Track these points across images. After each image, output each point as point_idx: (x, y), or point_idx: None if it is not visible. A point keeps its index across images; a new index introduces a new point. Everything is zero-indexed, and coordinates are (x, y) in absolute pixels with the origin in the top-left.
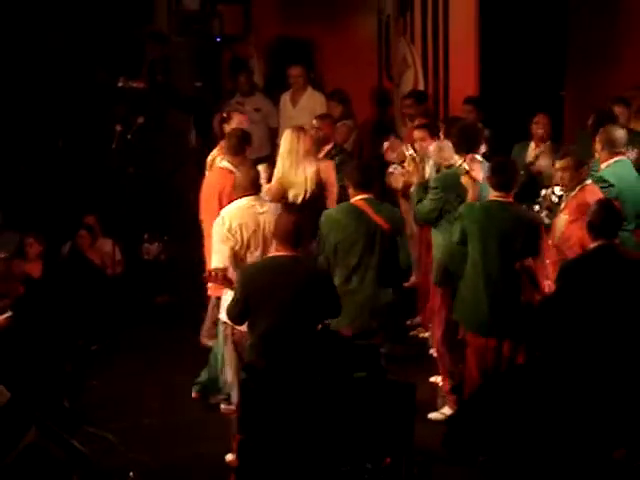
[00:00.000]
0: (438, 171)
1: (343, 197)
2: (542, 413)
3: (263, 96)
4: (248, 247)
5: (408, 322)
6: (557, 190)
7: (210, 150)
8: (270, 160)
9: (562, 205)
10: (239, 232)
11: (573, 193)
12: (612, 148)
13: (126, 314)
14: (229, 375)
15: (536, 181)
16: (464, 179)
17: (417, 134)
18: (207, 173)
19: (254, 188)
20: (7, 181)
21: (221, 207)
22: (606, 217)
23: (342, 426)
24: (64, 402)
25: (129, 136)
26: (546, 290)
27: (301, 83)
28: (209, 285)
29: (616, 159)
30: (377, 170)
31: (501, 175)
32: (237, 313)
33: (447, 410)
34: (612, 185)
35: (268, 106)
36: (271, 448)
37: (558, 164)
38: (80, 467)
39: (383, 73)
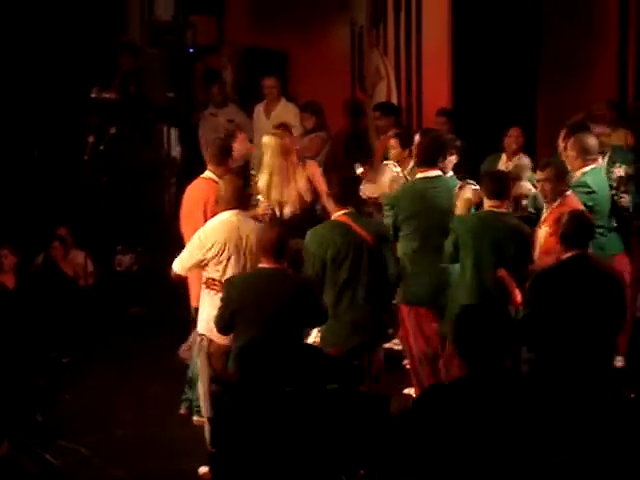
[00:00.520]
0: None
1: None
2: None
3: (236, 107)
4: (229, 261)
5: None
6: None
7: (192, 162)
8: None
9: (543, 217)
10: (221, 246)
11: (554, 205)
12: (586, 155)
13: (99, 326)
14: (200, 386)
15: None
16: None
17: (392, 143)
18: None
19: (237, 201)
20: None
21: (205, 218)
22: (578, 228)
23: (316, 438)
24: (37, 415)
25: (102, 147)
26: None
27: (275, 94)
28: (192, 296)
29: (592, 166)
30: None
31: (496, 184)
32: (223, 325)
33: None
34: (593, 191)
35: (241, 117)
36: (244, 462)
37: (540, 175)
38: None
39: (356, 84)
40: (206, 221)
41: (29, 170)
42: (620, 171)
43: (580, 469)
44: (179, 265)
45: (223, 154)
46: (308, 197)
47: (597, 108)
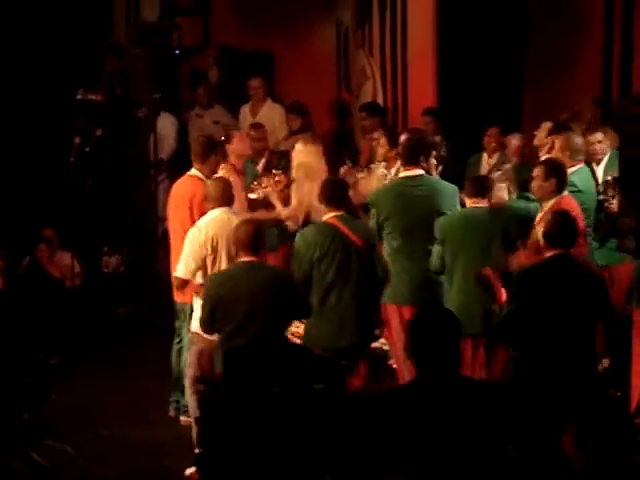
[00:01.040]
0: None
1: None
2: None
3: (222, 108)
4: (220, 258)
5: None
6: None
7: (180, 165)
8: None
9: (538, 217)
10: (214, 242)
11: (548, 205)
12: (573, 155)
13: (86, 326)
14: (186, 385)
15: None
16: None
17: (381, 142)
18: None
19: (225, 199)
20: None
21: (192, 216)
22: (562, 227)
23: (302, 438)
24: (24, 415)
25: (87, 149)
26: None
27: (261, 95)
28: (178, 293)
29: (579, 166)
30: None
31: (476, 183)
32: (205, 321)
33: None
34: (580, 191)
35: (227, 118)
36: (231, 462)
37: (533, 172)
38: None
39: (342, 85)
40: (192, 218)
41: (15, 172)
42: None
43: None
44: (184, 270)
45: (207, 151)
46: None
47: (581, 106)
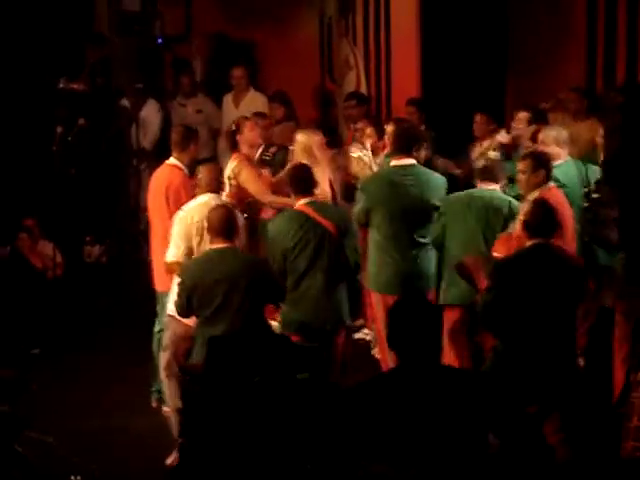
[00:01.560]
0: None
1: None
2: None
3: (205, 97)
4: (206, 243)
5: (352, 323)
6: None
7: (163, 153)
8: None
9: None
10: (200, 227)
11: (534, 196)
12: (557, 147)
13: (68, 317)
14: (161, 371)
15: None
16: None
17: (368, 132)
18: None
19: (214, 186)
20: None
21: (168, 204)
22: (542, 217)
23: (283, 427)
24: (5, 407)
25: (70, 138)
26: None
27: (243, 84)
28: (158, 281)
29: (562, 160)
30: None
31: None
32: (181, 309)
33: None
34: (564, 185)
35: (210, 107)
36: (213, 451)
37: (518, 166)
38: (22, 472)
39: (325, 74)
40: (168, 207)
41: None
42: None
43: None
44: (176, 253)
45: (185, 140)
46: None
47: (566, 96)
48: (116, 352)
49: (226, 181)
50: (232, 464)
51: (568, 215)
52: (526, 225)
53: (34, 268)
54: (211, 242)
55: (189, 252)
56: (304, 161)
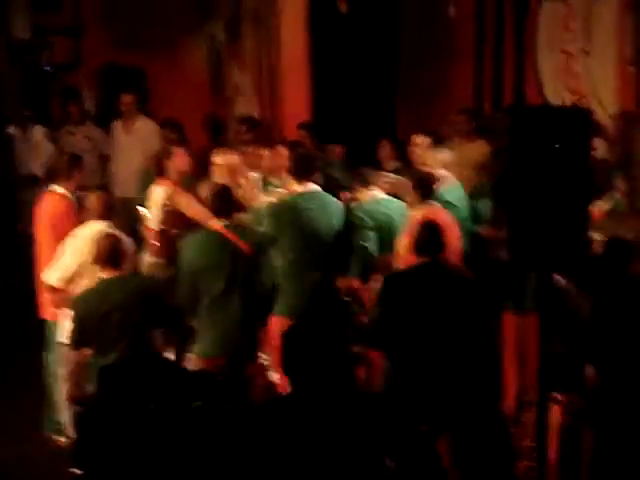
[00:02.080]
0: None
1: None
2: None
3: (94, 125)
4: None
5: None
6: None
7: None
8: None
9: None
10: (88, 254)
11: (418, 214)
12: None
13: None
14: (63, 401)
15: None
16: None
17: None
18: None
19: (104, 213)
20: None
21: (54, 232)
22: (429, 237)
23: (180, 456)
24: None
25: None
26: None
27: (133, 111)
28: (46, 309)
29: (451, 181)
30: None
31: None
32: (76, 339)
33: None
34: (454, 205)
35: (99, 134)
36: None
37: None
38: None
39: (216, 99)
40: (55, 235)
41: None
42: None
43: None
44: (57, 277)
45: (70, 168)
46: None
47: (454, 119)
48: (5, 379)
49: (153, 207)
50: None
51: (454, 236)
52: (416, 246)
53: None
54: (101, 271)
55: (75, 277)
56: (223, 182)
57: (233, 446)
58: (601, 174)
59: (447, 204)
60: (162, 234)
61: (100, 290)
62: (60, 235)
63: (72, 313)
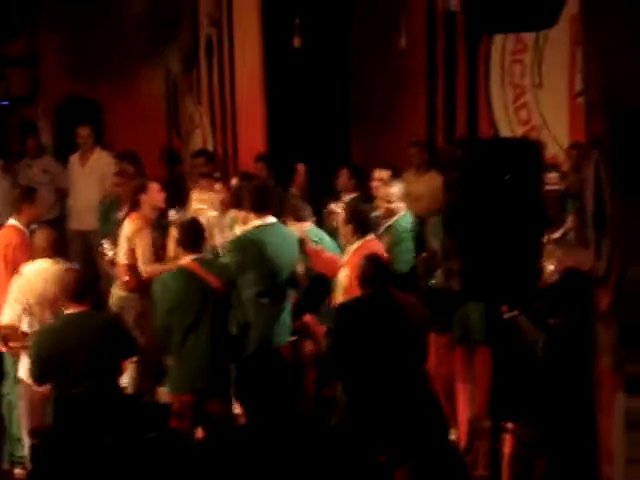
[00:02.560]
0: None
1: None
2: None
3: (51, 158)
4: (44, 308)
5: None
6: None
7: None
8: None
9: (343, 259)
10: (38, 292)
11: (354, 247)
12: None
13: None
14: (24, 436)
15: None
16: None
17: (217, 187)
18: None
19: (52, 251)
20: None
21: (5, 264)
22: (375, 269)
23: None
24: None
25: None
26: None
27: (90, 143)
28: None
29: (403, 212)
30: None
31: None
32: (36, 376)
33: None
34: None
35: (56, 167)
36: None
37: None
38: None
39: (172, 131)
40: (6, 268)
41: None
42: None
43: None
44: (9, 315)
45: (21, 201)
46: None
47: (409, 151)
48: None
49: (122, 241)
50: None
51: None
52: (362, 280)
53: None
54: (64, 306)
55: (25, 314)
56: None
57: (186, 476)
58: (553, 205)
59: (403, 232)
60: (130, 268)
61: (64, 327)
62: (12, 266)
63: (32, 349)
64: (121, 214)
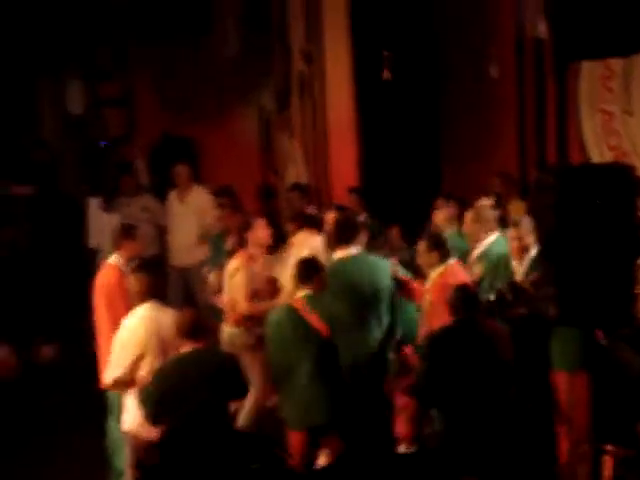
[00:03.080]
0: None
1: None
2: None
3: (150, 195)
4: (152, 356)
5: None
6: None
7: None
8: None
9: (426, 286)
10: (144, 341)
11: (435, 274)
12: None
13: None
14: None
15: None
16: None
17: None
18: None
19: (149, 293)
20: None
21: (107, 304)
22: (463, 298)
23: None
24: None
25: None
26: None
27: (187, 180)
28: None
29: (495, 236)
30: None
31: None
32: (152, 416)
33: None
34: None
35: (155, 205)
36: None
37: (418, 246)
38: None
39: (266, 167)
40: (107, 307)
41: None
42: None
43: None
44: (113, 373)
45: (120, 238)
46: None
47: (493, 182)
48: (66, 451)
49: (228, 277)
50: None
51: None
52: (452, 307)
53: None
54: (180, 345)
55: (131, 371)
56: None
57: None
58: None
59: (499, 257)
60: (232, 304)
61: (181, 367)
62: (112, 304)
63: (149, 390)
64: (229, 244)
